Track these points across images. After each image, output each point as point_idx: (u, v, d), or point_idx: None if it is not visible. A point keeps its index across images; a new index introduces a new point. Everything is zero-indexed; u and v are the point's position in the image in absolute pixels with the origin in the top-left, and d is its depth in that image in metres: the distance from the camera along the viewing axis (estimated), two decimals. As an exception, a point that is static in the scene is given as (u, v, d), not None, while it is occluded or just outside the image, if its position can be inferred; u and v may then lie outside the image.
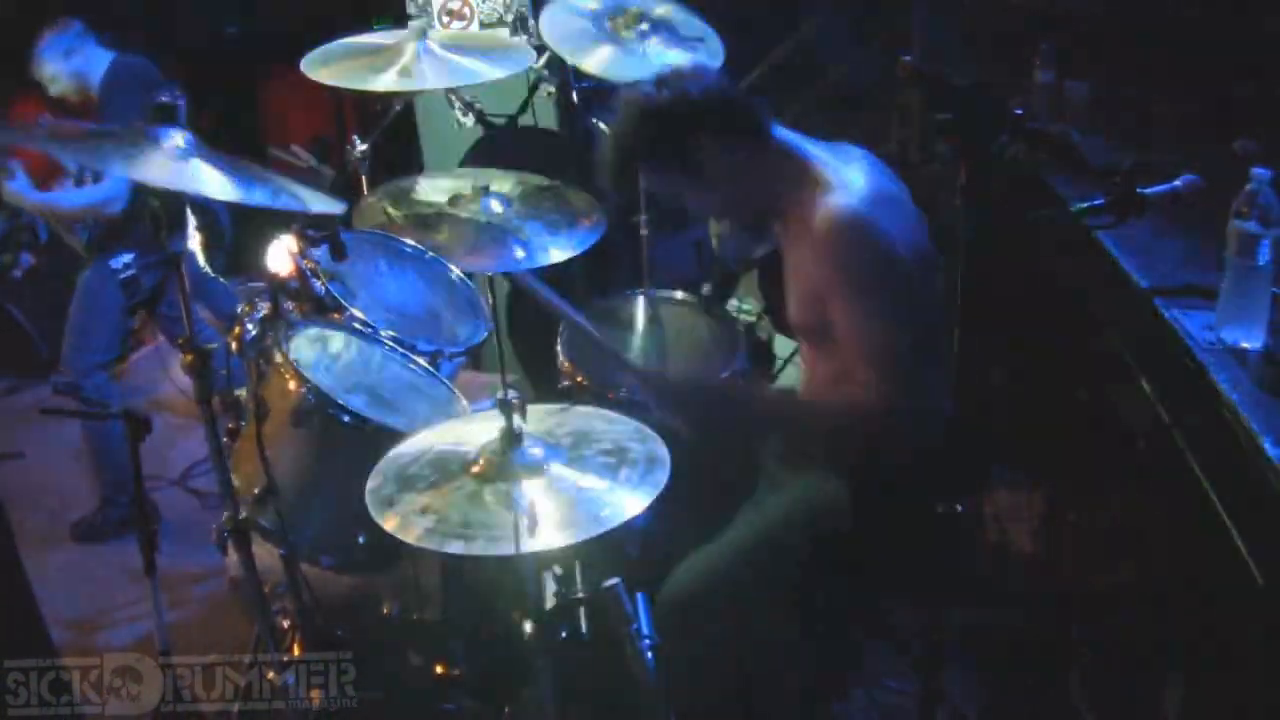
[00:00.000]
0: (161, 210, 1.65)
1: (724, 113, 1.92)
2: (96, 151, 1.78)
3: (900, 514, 1.92)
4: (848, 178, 1.89)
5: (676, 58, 2.72)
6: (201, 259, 3.49)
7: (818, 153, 1.95)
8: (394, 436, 1.85)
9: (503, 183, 2.68)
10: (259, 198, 1.66)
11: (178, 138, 1.65)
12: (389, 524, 1.55)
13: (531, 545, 1.48)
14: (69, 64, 3.31)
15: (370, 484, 1.65)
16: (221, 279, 3.67)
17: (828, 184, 1.87)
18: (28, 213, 4.04)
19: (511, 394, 1.63)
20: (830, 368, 1.97)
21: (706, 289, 2.66)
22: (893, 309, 1.82)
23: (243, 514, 1.96)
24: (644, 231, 2.82)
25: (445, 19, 3.60)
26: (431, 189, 2.71)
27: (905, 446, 1.85)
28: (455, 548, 1.50)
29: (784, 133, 1.98)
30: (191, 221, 3.21)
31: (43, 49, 3.31)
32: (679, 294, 2.84)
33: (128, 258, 3.34)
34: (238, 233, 4.90)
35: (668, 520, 1.90)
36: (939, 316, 1.89)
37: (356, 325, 2.23)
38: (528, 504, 1.54)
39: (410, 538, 1.52)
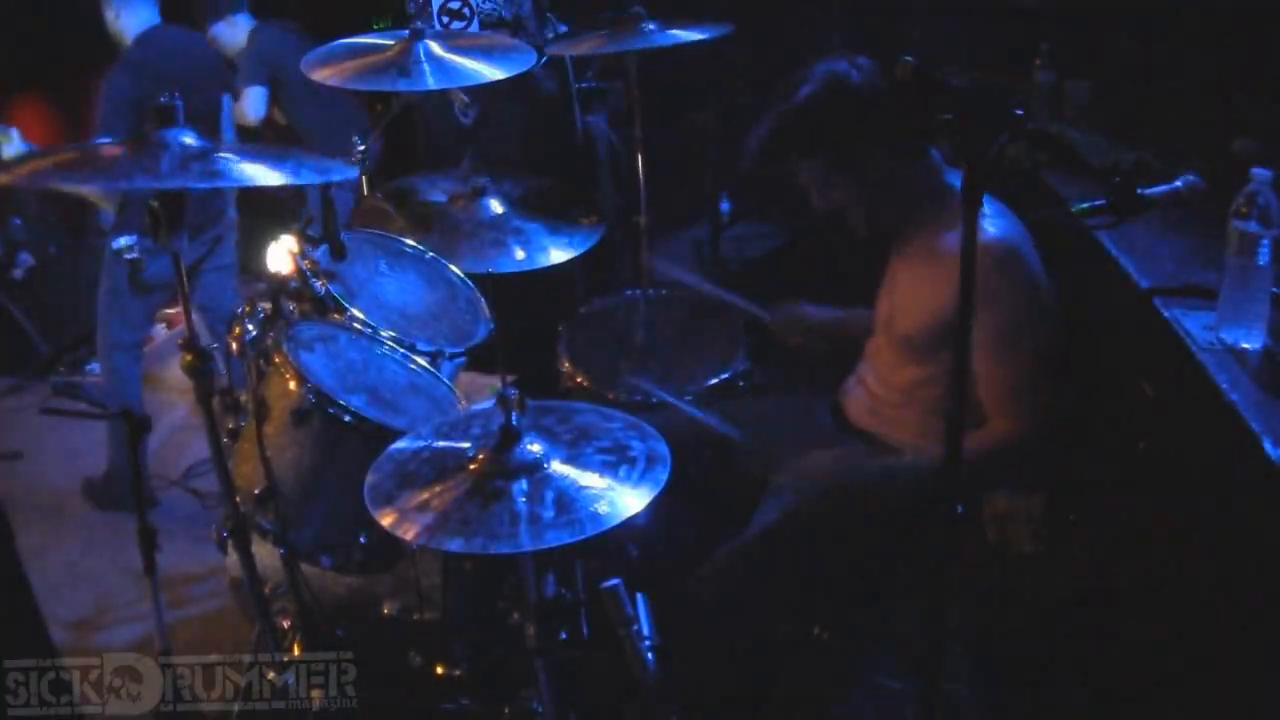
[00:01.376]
0: (160, 209, 1.64)
1: (905, 115, 1.94)
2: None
3: (900, 515, 1.93)
4: (994, 213, 1.93)
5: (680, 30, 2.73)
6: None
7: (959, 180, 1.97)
8: (394, 436, 1.85)
9: (503, 183, 2.69)
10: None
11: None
12: (386, 520, 1.54)
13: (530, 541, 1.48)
14: (120, 13, 3.31)
15: (369, 480, 1.65)
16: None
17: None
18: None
19: (511, 391, 1.63)
20: (923, 373, 2.01)
21: (707, 289, 2.66)
22: (1036, 341, 1.89)
23: (243, 514, 1.96)
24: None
25: (445, 19, 3.61)
26: (431, 189, 2.72)
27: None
28: (454, 545, 1.49)
29: (937, 153, 2.03)
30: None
31: None
32: (679, 294, 2.84)
33: (129, 239, 3.31)
34: (239, 233, 4.92)
35: (676, 524, 1.91)
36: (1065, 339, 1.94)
37: (356, 325, 2.23)
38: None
39: (409, 535, 1.51)
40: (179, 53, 3.38)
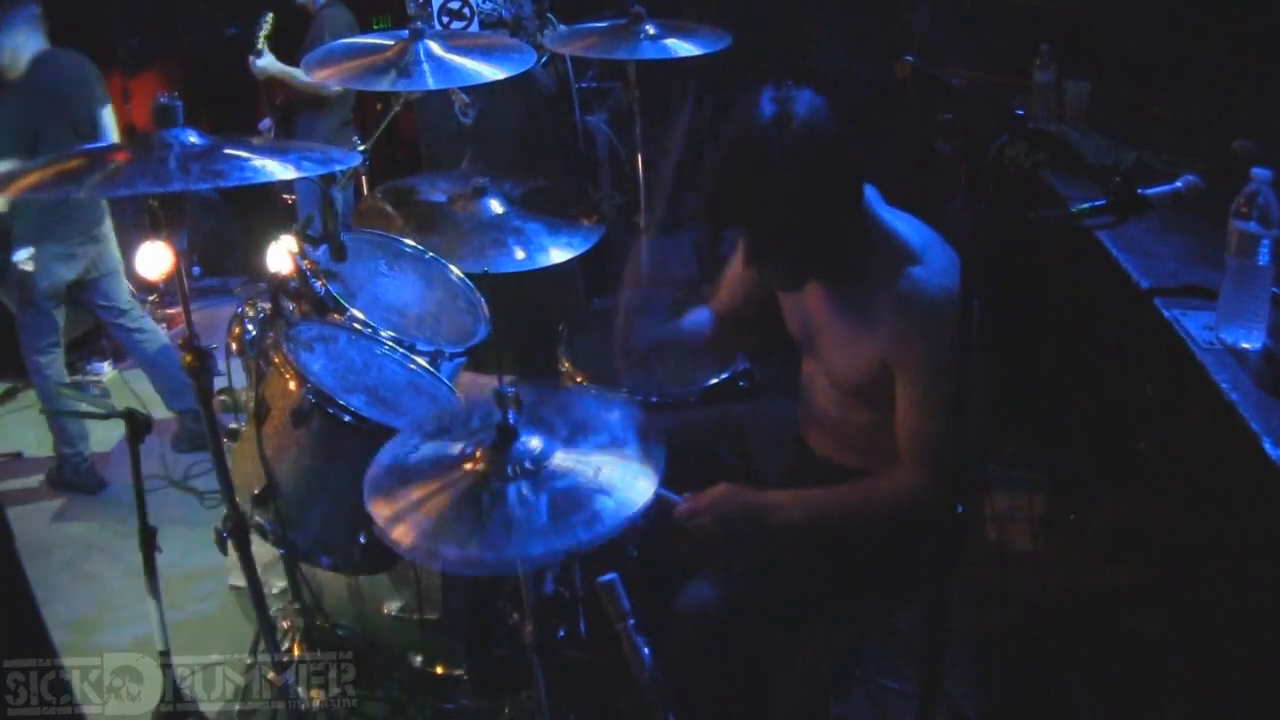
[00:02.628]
0: (160, 209, 1.65)
1: (859, 163, 1.82)
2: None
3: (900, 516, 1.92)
4: (926, 249, 1.85)
5: (676, 41, 2.73)
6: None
7: (893, 219, 1.90)
8: (394, 436, 1.85)
9: (503, 183, 2.69)
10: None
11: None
12: (382, 516, 1.54)
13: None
14: (7, 39, 3.44)
15: (368, 479, 1.65)
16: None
17: (908, 252, 1.83)
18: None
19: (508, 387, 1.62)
20: (879, 416, 1.93)
21: (706, 289, 2.65)
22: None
23: (243, 514, 1.96)
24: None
25: (445, 19, 3.60)
26: (431, 189, 2.72)
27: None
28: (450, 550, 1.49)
29: (871, 191, 1.92)
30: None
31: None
32: (678, 294, 2.84)
33: (25, 252, 3.49)
34: (239, 233, 4.93)
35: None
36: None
37: (356, 325, 2.23)
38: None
39: (407, 538, 1.51)
40: (66, 74, 3.53)
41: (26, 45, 3.46)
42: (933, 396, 1.82)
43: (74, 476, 3.69)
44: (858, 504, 1.93)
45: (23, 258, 3.47)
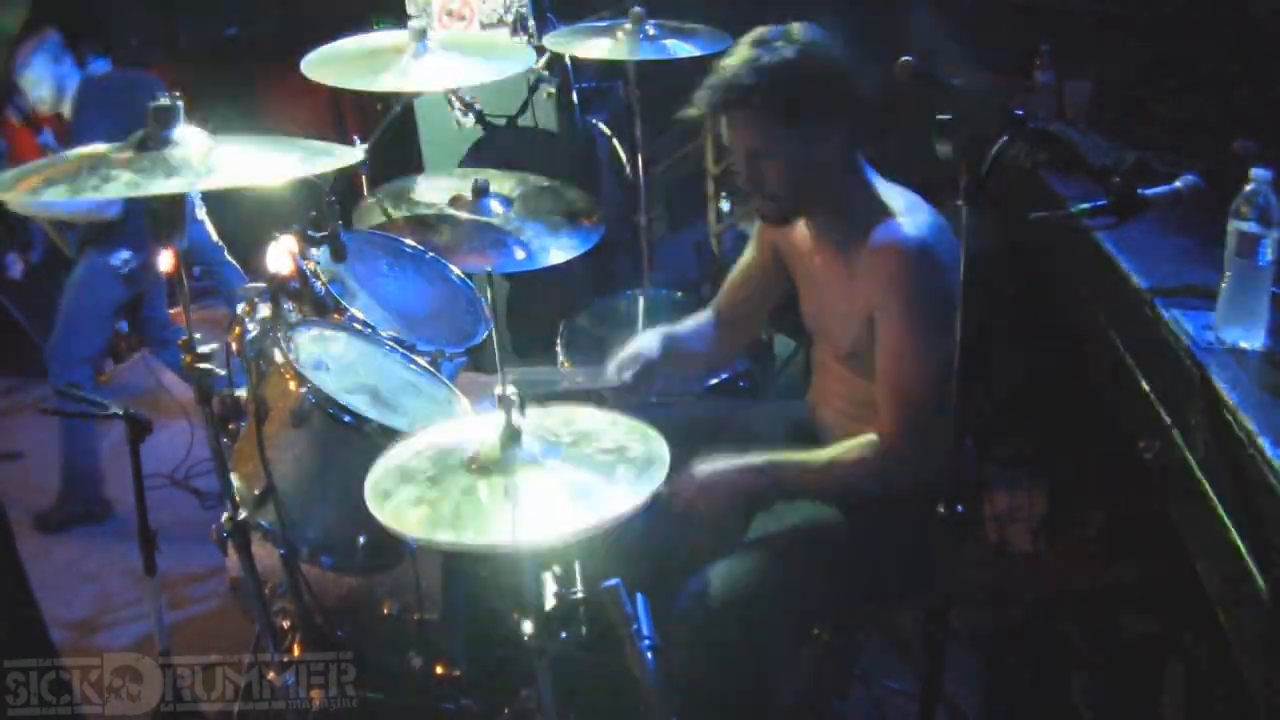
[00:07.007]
0: (161, 210, 1.64)
1: (863, 103, 1.89)
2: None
3: (901, 515, 1.92)
4: (910, 209, 1.89)
5: (675, 42, 2.74)
6: (213, 232, 3.74)
7: (885, 185, 1.95)
8: (394, 436, 1.85)
9: (503, 183, 2.69)
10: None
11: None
12: (385, 517, 1.54)
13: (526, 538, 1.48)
14: (56, 71, 3.39)
15: (369, 480, 1.65)
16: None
17: (892, 210, 1.88)
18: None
19: (511, 390, 1.62)
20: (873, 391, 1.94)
21: (706, 289, 2.66)
22: (938, 352, 1.78)
23: (243, 514, 1.96)
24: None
25: (445, 19, 3.61)
26: (431, 189, 2.72)
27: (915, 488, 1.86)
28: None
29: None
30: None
31: (32, 55, 3.38)
32: (678, 294, 2.84)
33: (126, 254, 3.43)
34: (238, 232, 4.94)
35: (678, 528, 1.91)
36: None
37: (356, 325, 2.23)
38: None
39: (408, 528, 1.51)
40: (112, 101, 3.40)
41: (56, 78, 3.37)
42: (908, 346, 1.83)
43: (83, 507, 3.54)
44: (836, 460, 1.93)
45: (120, 261, 3.42)
